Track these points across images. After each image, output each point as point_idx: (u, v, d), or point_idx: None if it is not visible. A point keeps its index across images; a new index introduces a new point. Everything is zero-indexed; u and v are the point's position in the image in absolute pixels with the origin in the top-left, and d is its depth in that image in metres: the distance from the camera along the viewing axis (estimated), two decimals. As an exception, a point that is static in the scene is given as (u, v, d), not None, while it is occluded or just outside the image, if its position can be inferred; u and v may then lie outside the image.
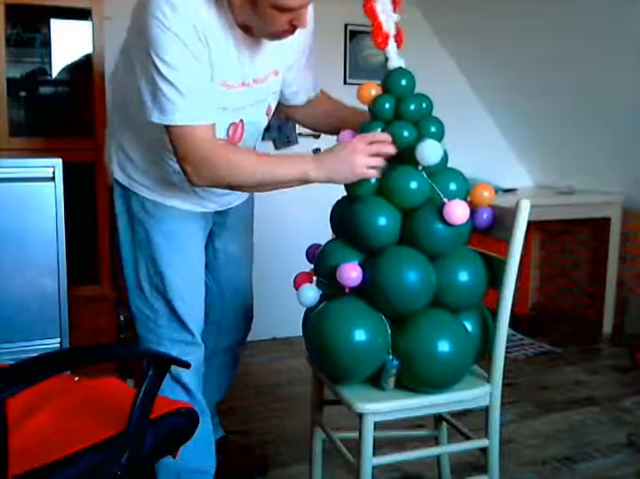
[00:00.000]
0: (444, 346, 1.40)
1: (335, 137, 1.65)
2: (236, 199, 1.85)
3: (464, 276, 1.46)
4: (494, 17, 3.23)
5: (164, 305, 1.72)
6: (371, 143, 1.48)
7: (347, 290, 1.46)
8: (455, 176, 1.51)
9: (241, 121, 1.64)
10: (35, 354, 1.09)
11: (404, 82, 1.54)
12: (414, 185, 1.45)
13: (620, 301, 3.57)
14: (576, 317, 3.88)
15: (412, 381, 1.44)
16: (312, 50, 1.76)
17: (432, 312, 1.45)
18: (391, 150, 1.49)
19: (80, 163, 2.56)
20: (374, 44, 1.56)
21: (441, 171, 1.50)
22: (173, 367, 1.23)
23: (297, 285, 1.58)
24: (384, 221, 1.45)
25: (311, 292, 1.54)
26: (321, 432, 1.73)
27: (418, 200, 1.46)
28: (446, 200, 1.43)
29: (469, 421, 1.77)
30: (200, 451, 1.77)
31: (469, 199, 1.52)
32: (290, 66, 1.71)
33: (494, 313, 1.49)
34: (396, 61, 1.57)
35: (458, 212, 1.41)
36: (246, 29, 1.52)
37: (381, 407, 1.42)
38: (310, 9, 1.58)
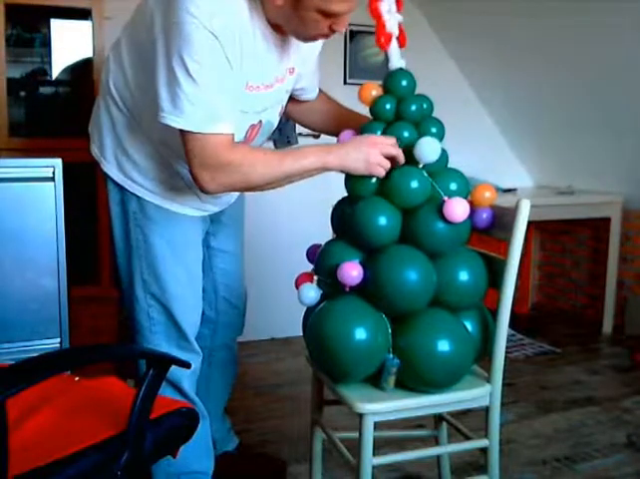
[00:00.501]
0: (444, 346, 1.40)
1: (335, 137, 1.65)
2: (234, 197, 1.83)
3: (464, 276, 1.46)
4: (495, 17, 3.22)
5: (160, 313, 1.69)
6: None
7: (347, 289, 1.46)
8: (455, 176, 1.51)
9: (260, 122, 1.61)
10: (35, 354, 1.09)
11: (405, 82, 1.54)
12: (415, 184, 1.44)
13: (620, 301, 3.57)
14: (576, 317, 3.88)
15: (412, 381, 1.44)
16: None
17: (432, 312, 1.45)
18: (402, 159, 1.47)
19: (80, 163, 2.55)
20: (377, 44, 1.56)
21: (441, 171, 1.50)
22: (170, 372, 1.23)
23: (298, 286, 1.58)
24: (384, 220, 1.45)
25: (312, 292, 1.54)
26: (321, 432, 1.72)
27: (419, 199, 1.46)
28: (445, 197, 1.44)
29: (469, 421, 1.77)
30: (199, 452, 1.77)
31: (469, 199, 1.52)
32: (304, 62, 1.67)
33: (494, 313, 1.49)
34: (397, 61, 1.56)
35: (458, 209, 1.41)
36: (276, 26, 1.47)
37: (381, 407, 1.42)
38: None
